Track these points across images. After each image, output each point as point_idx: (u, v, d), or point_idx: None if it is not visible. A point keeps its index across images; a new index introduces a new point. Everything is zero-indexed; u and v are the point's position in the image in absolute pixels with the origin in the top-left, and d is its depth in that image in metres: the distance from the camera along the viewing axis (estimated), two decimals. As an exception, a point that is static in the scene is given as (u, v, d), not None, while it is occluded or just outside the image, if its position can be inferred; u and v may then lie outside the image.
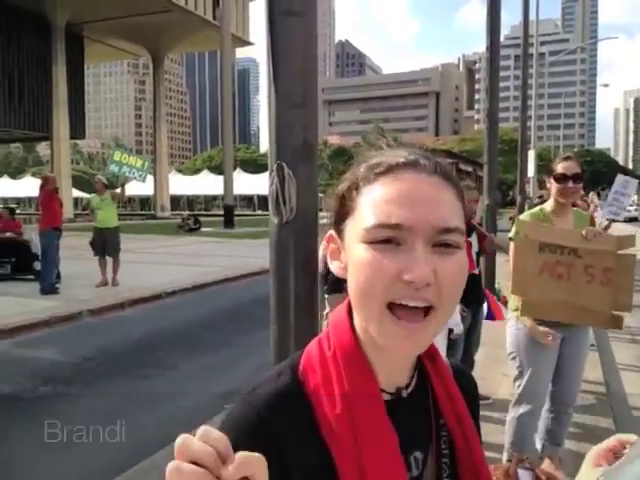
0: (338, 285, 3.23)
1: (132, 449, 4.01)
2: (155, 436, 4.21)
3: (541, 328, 3.04)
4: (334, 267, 0.76)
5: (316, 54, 1.98)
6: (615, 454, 0.75)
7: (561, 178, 3.03)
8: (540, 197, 8.96)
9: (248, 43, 42.02)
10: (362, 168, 0.73)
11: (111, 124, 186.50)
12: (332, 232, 0.77)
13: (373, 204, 0.68)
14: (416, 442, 0.74)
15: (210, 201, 64.69)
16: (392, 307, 0.66)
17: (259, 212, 47.36)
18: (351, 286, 0.70)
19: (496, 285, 7.48)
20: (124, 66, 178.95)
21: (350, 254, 0.71)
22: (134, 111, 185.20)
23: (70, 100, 33.29)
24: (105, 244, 10.23)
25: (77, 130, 35.65)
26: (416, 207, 0.66)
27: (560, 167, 3.05)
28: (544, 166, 3.23)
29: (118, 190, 10.61)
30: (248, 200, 59.95)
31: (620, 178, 5.35)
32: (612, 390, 5.06)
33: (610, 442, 0.76)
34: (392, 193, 0.68)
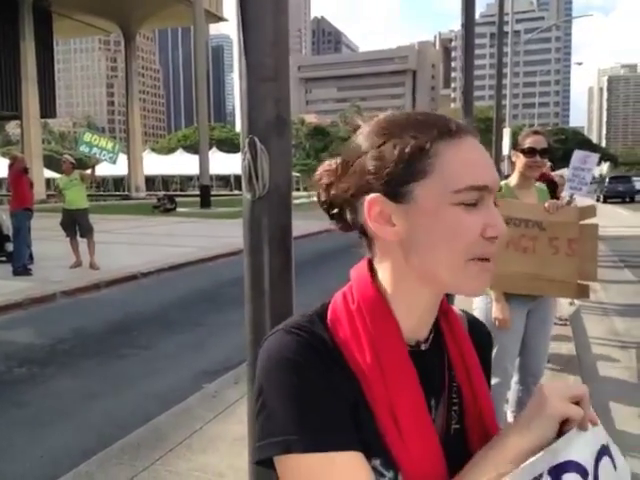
0: None
1: (109, 428, 4.00)
2: (133, 414, 4.21)
3: (500, 313, 3.07)
4: (386, 232, 0.76)
5: (287, 26, 1.94)
6: None
7: (530, 152, 3.06)
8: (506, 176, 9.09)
9: (222, 19, 41.27)
10: (417, 130, 0.74)
11: (83, 102, 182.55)
12: (377, 196, 0.75)
13: (458, 167, 0.73)
14: (431, 390, 0.79)
15: (186, 181, 64.01)
16: (473, 261, 0.74)
17: (236, 192, 46.98)
18: (430, 248, 0.74)
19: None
20: (95, 42, 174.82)
21: (432, 217, 0.73)
22: (106, 89, 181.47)
23: (40, 77, 32.42)
24: (76, 225, 10.06)
25: (48, 108, 34.78)
26: (491, 169, 0.75)
27: (529, 141, 3.07)
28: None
29: (88, 171, 10.39)
30: (225, 180, 59.45)
31: (578, 153, 5.42)
32: (584, 363, 5.18)
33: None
34: (472, 157, 0.74)
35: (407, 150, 0.74)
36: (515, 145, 3.20)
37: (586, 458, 0.70)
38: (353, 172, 0.78)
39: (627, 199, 34.42)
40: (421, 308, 0.79)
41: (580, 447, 0.70)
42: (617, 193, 34.29)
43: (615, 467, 0.74)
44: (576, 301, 5.66)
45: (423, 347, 0.80)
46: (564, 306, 5.08)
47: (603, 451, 0.73)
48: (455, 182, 0.72)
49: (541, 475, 0.68)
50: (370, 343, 0.75)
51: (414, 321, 0.79)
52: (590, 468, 0.70)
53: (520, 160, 3.12)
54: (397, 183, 0.74)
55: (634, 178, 38.70)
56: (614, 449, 0.76)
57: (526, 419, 0.72)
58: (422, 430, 0.74)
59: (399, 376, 0.74)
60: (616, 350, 5.75)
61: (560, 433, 0.71)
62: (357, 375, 0.74)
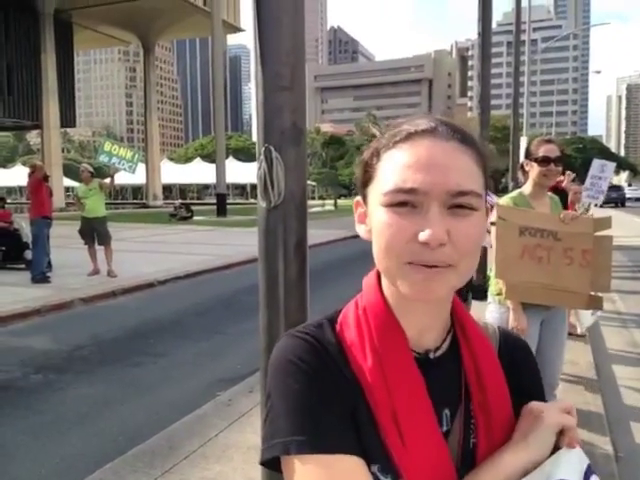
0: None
1: (124, 436, 4.02)
2: (148, 422, 4.22)
3: (518, 322, 3.06)
4: (360, 230, 0.80)
5: (303, 35, 1.95)
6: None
7: (544, 160, 3.06)
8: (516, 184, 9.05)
9: (239, 29, 41.65)
10: (384, 137, 0.77)
11: (102, 112, 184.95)
12: (359, 198, 0.81)
13: (391, 169, 0.73)
14: (445, 400, 0.78)
15: (202, 190, 64.43)
16: (410, 265, 0.71)
17: (252, 200, 47.22)
18: (374, 247, 0.75)
19: (488, 272, 7.49)
20: (114, 53, 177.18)
21: (372, 217, 0.76)
22: (125, 99, 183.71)
23: (60, 88, 32.95)
24: (94, 233, 10.16)
25: (67, 118, 35.32)
26: (430, 172, 0.70)
27: (542, 150, 3.09)
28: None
29: (107, 180, 10.52)
30: (241, 189, 59.75)
31: (596, 162, 5.38)
32: (602, 375, 5.10)
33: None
34: (408, 159, 0.72)
35: (366, 156, 0.79)
36: (527, 155, 3.19)
37: (575, 476, 0.72)
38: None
39: (619, 204, 42.78)
40: (419, 314, 0.78)
41: (569, 466, 0.72)
42: (611, 199, 40.43)
43: None
44: (598, 312, 5.58)
45: (431, 355, 0.79)
46: (586, 316, 5.01)
47: (590, 470, 0.75)
48: (385, 185, 0.73)
49: None
50: (372, 348, 0.75)
51: (417, 328, 0.79)
52: None
53: (534, 169, 3.11)
54: (361, 186, 0.80)
55: (626, 187, 49.92)
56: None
57: (521, 435, 0.74)
58: (427, 437, 0.73)
59: (402, 382, 0.74)
60: (635, 362, 5.66)
61: (555, 447, 0.73)
62: (359, 380, 0.75)
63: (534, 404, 0.76)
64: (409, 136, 0.74)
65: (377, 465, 0.73)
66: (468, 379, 0.80)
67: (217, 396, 4.65)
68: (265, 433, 0.74)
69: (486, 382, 0.80)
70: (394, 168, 0.72)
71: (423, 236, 0.68)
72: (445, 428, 0.77)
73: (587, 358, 5.40)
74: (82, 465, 3.56)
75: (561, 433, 0.73)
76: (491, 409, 0.79)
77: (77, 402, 4.73)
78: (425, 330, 0.79)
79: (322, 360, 0.75)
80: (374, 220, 0.74)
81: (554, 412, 0.74)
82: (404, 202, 0.70)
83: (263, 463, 0.74)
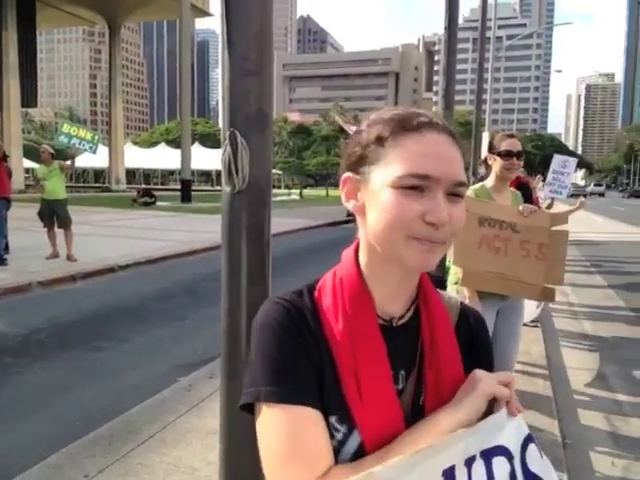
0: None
1: (81, 421, 3.97)
2: (107, 407, 4.17)
3: (476, 307, 3.14)
4: (350, 205, 0.88)
5: (271, 20, 1.95)
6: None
7: (506, 154, 3.14)
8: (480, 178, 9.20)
9: (207, 14, 41.00)
10: (385, 123, 0.85)
11: (65, 93, 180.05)
12: (349, 174, 0.88)
13: (405, 155, 0.81)
14: (403, 362, 0.88)
15: (167, 175, 63.44)
16: (415, 239, 0.81)
17: (217, 187, 46.57)
18: (375, 222, 0.83)
19: (447, 263, 7.61)
20: (79, 33, 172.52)
21: (377, 195, 0.83)
22: (89, 80, 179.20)
23: (21, 67, 31.89)
24: (54, 216, 9.93)
25: (28, 98, 34.24)
26: (441, 161, 0.81)
27: (505, 144, 3.17)
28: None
29: (68, 162, 10.26)
30: (207, 175, 59.04)
31: (557, 158, 5.50)
32: (553, 364, 5.26)
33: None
34: (422, 149, 0.81)
35: (370, 137, 0.86)
36: (490, 149, 3.27)
37: (513, 444, 0.80)
38: (342, 156, 0.91)
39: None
40: (391, 284, 0.88)
41: (509, 433, 0.80)
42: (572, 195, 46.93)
43: (541, 456, 0.83)
44: (542, 304, 5.78)
45: (395, 322, 0.89)
46: (531, 308, 5.16)
47: (529, 438, 0.82)
48: (399, 169, 0.81)
49: (474, 456, 0.77)
50: (344, 313, 0.85)
51: (386, 297, 0.89)
52: (516, 453, 0.80)
53: (497, 163, 3.19)
54: (359, 164, 0.87)
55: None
56: (538, 444, 0.84)
57: (457, 398, 0.84)
58: (382, 393, 0.83)
59: (366, 344, 0.84)
60: (584, 352, 5.86)
61: (487, 413, 0.81)
62: (330, 341, 0.84)
63: (477, 372, 0.86)
64: (419, 126, 0.83)
65: (335, 416, 0.82)
66: (423, 344, 0.89)
67: (177, 381, 4.63)
68: (245, 382, 0.85)
69: (439, 347, 0.89)
70: (408, 155, 0.81)
71: (432, 217, 0.79)
72: (400, 386, 0.87)
73: (539, 347, 5.56)
74: (36, 450, 3.50)
75: (494, 401, 0.82)
76: (441, 371, 0.88)
77: (34, 387, 4.65)
78: (393, 299, 0.89)
79: (295, 322, 0.85)
80: (382, 199, 0.82)
81: (489, 382, 0.83)
82: (415, 186, 0.80)
83: (241, 407, 0.85)
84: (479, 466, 0.77)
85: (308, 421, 0.80)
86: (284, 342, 0.83)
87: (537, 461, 0.82)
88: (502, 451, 0.79)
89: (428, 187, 0.80)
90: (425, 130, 0.83)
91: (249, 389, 0.84)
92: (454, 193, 0.82)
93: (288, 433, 0.79)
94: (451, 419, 0.80)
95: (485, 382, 0.83)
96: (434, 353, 0.89)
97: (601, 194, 70.62)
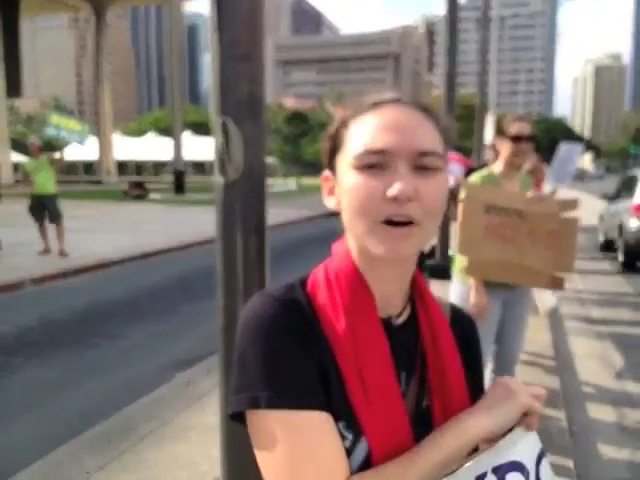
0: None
1: (78, 419, 3.91)
2: (103, 405, 4.11)
3: (478, 299, 3.05)
4: (330, 202, 0.84)
5: (262, 2, 1.85)
6: None
7: (516, 139, 2.99)
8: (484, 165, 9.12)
9: (195, -1, 40.53)
10: (348, 108, 0.82)
11: (50, 82, 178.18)
12: (327, 172, 0.85)
13: (360, 134, 0.77)
14: (403, 364, 0.82)
15: (159, 167, 63.03)
16: (381, 225, 0.74)
17: (211, 178, 46.10)
18: (345, 210, 0.78)
19: (450, 252, 7.57)
20: (63, 20, 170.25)
21: (342, 182, 0.79)
22: (75, 69, 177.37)
23: (5, 55, 31.42)
24: (45, 211, 9.80)
25: (13, 88, 33.74)
26: (398, 134, 0.75)
27: (515, 128, 3.01)
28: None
29: (57, 154, 10.11)
30: (200, 166, 58.65)
31: (563, 145, 5.43)
32: (560, 352, 5.22)
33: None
34: (376, 123, 0.76)
35: (333, 128, 0.83)
36: (499, 132, 3.11)
37: (528, 459, 0.76)
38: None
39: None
40: (384, 280, 0.81)
41: (524, 448, 0.76)
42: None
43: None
44: (558, 293, 5.73)
45: (394, 322, 0.83)
46: (548, 298, 5.10)
47: (542, 454, 0.78)
48: (355, 148, 0.76)
49: (485, 474, 0.72)
50: (345, 311, 0.78)
51: (381, 294, 0.82)
52: (532, 469, 0.75)
53: (506, 147, 3.04)
54: (331, 157, 0.83)
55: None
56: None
57: (489, 403, 0.77)
58: (388, 397, 0.77)
59: (371, 344, 0.78)
60: (591, 339, 5.82)
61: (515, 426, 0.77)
62: (330, 340, 0.77)
63: (509, 380, 0.80)
64: (375, 105, 0.78)
65: (342, 422, 0.75)
66: (425, 345, 0.84)
67: (175, 377, 4.57)
68: (234, 387, 0.76)
69: (441, 348, 0.84)
70: (363, 132, 0.76)
71: (392, 191, 0.72)
72: (403, 389, 0.82)
73: (545, 336, 5.52)
74: (34, 448, 3.45)
75: (524, 415, 0.77)
76: (446, 373, 0.83)
77: (28, 385, 4.59)
78: (389, 296, 0.83)
79: (295, 318, 0.77)
80: (345, 184, 0.77)
81: (527, 395, 0.78)
82: (374, 164, 0.74)
83: (231, 416, 0.76)
84: None
85: (319, 427, 0.72)
86: (283, 340, 0.75)
87: (549, 477, 0.78)
88: (517, 467, 0.74)
89: (387, 162, 0.74)
90: (384, 106, 0.78)
91: (242, 395, 0.74)
92: (423, 165, 0.75)
93: (297, 443, 0.71)
94: (479, 425, 0.75)
95: (523, 394, 0.78)
96: (437, 354, 0.84)
97: (600, 177, 71.47)
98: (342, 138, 0.80)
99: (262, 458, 0.74)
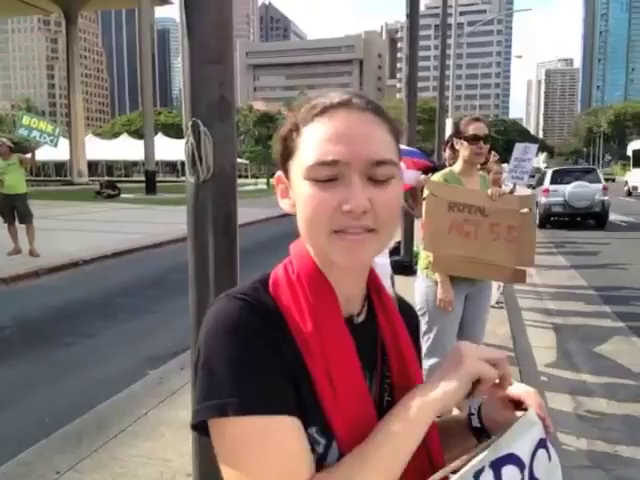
0: None
1: (51, 418, 3.91)
2: (76, 403, 4.11)
3: (445, 294, 3.17)
4: (284, 205, 0.82)
5: (231, 7, 1.92)
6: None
7: (474, 139, 3.11)
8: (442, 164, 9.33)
9: (167, 1, 40.26)
10: (301, 110, 0.79)
11: (21, 84, 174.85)
12: (280, 173, 0.83)
13: (312, 143, 0.75)
14: (365, 362, 0.80)
15: (130, 167, 62.36)
16: (336, 234, 0.74)
17: (182, 178, 45.82)
18: (300, 219, 0.77)
19: (415, 249, 7.72)
20: (34, 22, 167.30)
21: (296, 190, 0.77)
22: (46, 71, 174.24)
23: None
24: (14, 211, 9.68)
25: (-18, 90, 33.10)
26: (350, 143, 0.73)
27: (472, 128, 3.13)
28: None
29: (28, 155, 9.98)
30: (171, 166, 58.21)
31: (519, 146, 5.64)
32: (518, 344, 5.38)
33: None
34: (328, 132, 0.74)
35: (284, 131, 0.81)
36: (457, 133, 3.23)
37: (525, 451, 0.74)
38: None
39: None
40: (344, 281, 0.81)
41: (522, 441, 0.75)
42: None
43: (550, 458, 0.79)
44: (502, 286, 5.94)
45: (355, 320, 0.83)
46: (494, 291, 5.28)
47: (540, 444, 0.77)
48: (307, 158, 0.74)
49: (482, 469, 0.71)
50: (311, 312, 0.77)
51: (343, 294, 0.81)
52: (527, 460, 0.74)
53: (464, 147, 3.16)
54: (281, 161, 0.82)
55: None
56: (550, 443, 0.80)
57: (440, 375, 0.75)
58: (358, 397, 0.76)
59: (337, 345, 0.76)
60: (549, 331, 6.00)
61: (470, 393, 0.76)
62: (298, 341, 0.75)
63: (463, 344, 0.78)
64: (325, 109, 0.76)
65: (314, 427, 0.73)
66: (385, 342, 0.85)
67: (148, 374, 4.59)
68: (198, 394, 0.72)
69: (401, 343, 0.85)
70: (314, 142, 0.74)
71: (347, 206, 0.71)
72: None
73: (505, 328, 5.68)
74: (6, 448, 3.43)
75: (478, 382, 0.75)
76: (407, 368, 0.84)
77: (0, 384, 4.55)
78: (351, 296, 0.83)
79: (262, 321, 0.74)
80: (298, 192, 0.76)
81: (475, 360, 0.75)
82: (327, 176, 0.72)
83: (195, 426, 0.73)
84: (488, 477, 0.71)
85: (286, 433, 0.70)
86: (252, 342, 0.72)
87: (543, 466, 0.76)
88: (514, 460, 0.73)
89: (341, 173, 0.72)
90: (333, 111, 0.75)
91: (208, 402, 0.70)
92: (375, 176, 0.73)
93: (264, 450, 0.69)
94: (431, 405, 0.72)
95: (470, 360, 0.75)
96: (398, 349, 0.84)
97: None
98: (294, 143, 0.78)
99: (228, 464, 0.71)
